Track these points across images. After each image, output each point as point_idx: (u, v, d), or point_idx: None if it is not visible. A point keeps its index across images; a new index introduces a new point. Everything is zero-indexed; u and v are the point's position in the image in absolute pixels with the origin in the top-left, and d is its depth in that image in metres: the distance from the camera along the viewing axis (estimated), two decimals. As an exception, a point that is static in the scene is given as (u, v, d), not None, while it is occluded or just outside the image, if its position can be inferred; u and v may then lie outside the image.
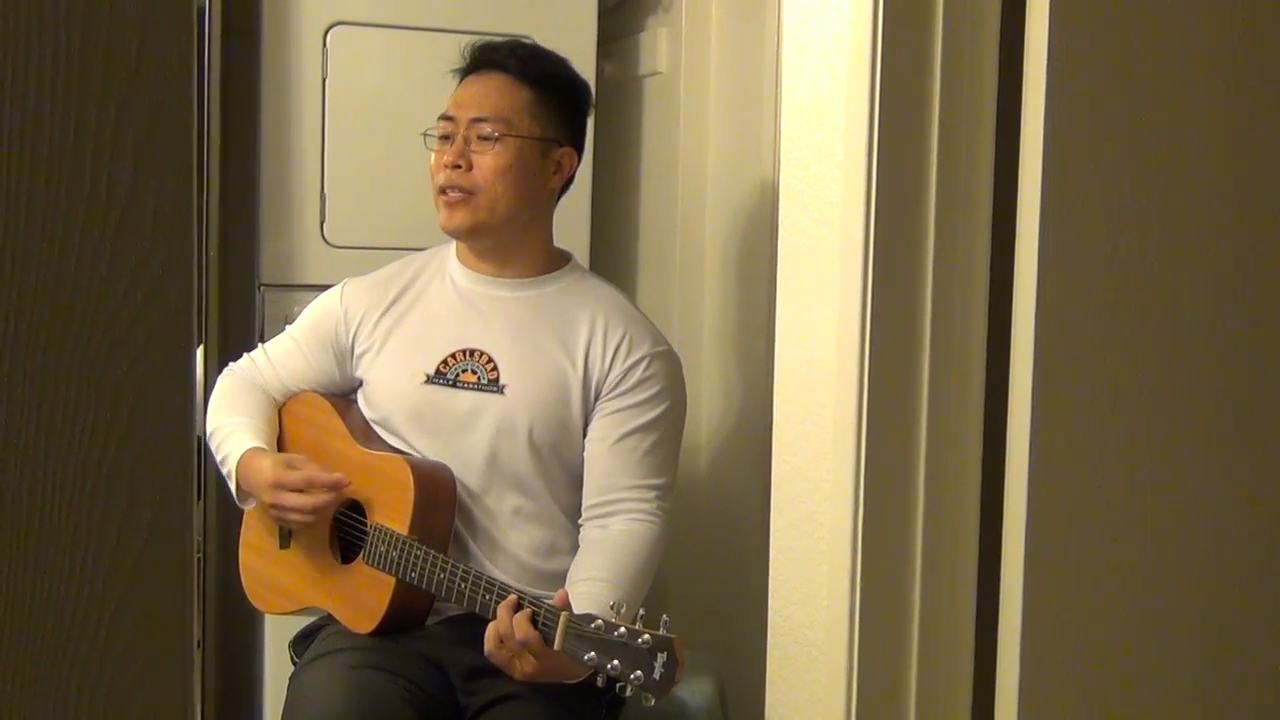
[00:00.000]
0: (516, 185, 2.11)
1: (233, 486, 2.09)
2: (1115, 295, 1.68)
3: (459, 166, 2.08)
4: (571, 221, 2.59)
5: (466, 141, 2.09)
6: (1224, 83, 1.73)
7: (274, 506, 2.00)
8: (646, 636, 1.67)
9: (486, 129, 2.09)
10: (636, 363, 2.08)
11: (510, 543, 2.06)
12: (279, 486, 1.99)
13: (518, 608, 1.78)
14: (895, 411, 1.67)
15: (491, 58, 2.16)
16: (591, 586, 1.92)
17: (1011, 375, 1.66)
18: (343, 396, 2.22)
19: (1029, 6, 1.63)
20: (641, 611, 1.73)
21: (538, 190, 2.14)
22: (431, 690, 1.96)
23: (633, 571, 1.98)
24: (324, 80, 2.55)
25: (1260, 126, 1.75)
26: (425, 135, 2.17)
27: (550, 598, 1.80)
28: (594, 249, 2.74)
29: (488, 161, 2.08)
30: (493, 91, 2.12)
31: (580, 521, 2.07)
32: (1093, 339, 1.67)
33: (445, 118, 2.13)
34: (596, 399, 2.08)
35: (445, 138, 2.12)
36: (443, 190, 2.10)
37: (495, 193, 2.08)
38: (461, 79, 2.17)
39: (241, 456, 2.06)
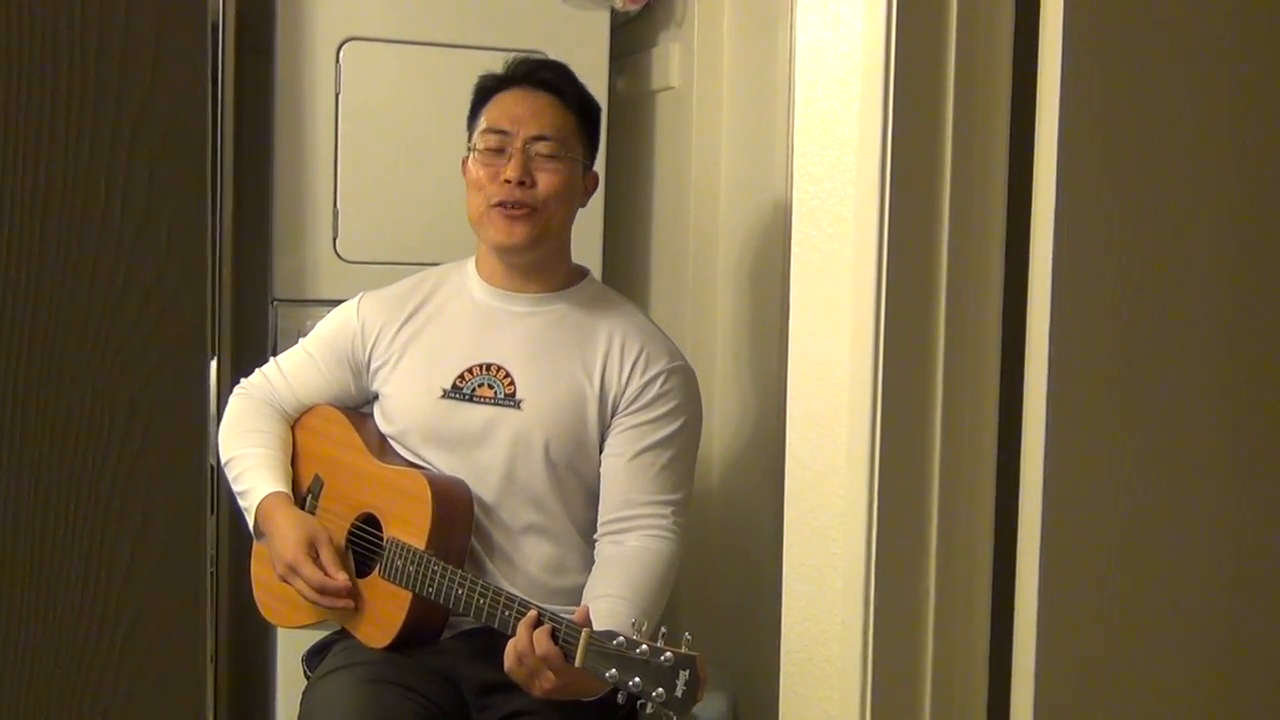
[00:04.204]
0: (569, 205, 2.13)
1: (250, 522, 2.09)
2: (1130, 306, 1.67)
3: (523, 183, 2.07)
4: (585, 236, 2.59)
5: (526, 158, 2.08)
6: (1239, 90, 1.72)
7: (283, 580, 2.03)
8: (669, 654, 1.67)
9: (549, 148, 2.09)
10: (653, 378, 2.08)
11: (522, 558, 2.06)
12: (293, 572, 2.00)
13: (537, 624, 1.78)
14: (909, 426, 1.67)
15: (541, 76, 2.16)
16: (610, 604, 1.92)
17: (1026, 389, 1.66)
18: (357, 410, 2.21)
19: (1042, 21, 1.63)
20: (663, 629, 1.72)
21: (576, 211, 2.16)
22: (445, 705, 1.96)
23: (650, 588, 1.98)
24: (337, 96, 2.56)
25: (1276, 131, 1.75)
26: (472, 148, 2.14)
27: (564, 614, 1.80)
28: (607, 263, 2.75)
29: (551, 180, 2.08)
30: (547, 110, 2.11)
31: (596, 537, 2.06)
32: (1108, 348, 1.67)
33: (497, 130, 2.10)
34: (613, 414, 2.07)
35: (497, 150, 2.10)
36: (500, 205, 2.08)
37: (554, 210, 2.09)
38: (497, 91, 2.16)
39: (261, 502, 2.07)
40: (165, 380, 0.77)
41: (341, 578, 1.99)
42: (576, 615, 1.78)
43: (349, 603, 2.01)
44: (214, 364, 2.56)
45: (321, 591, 1.99)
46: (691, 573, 2.59)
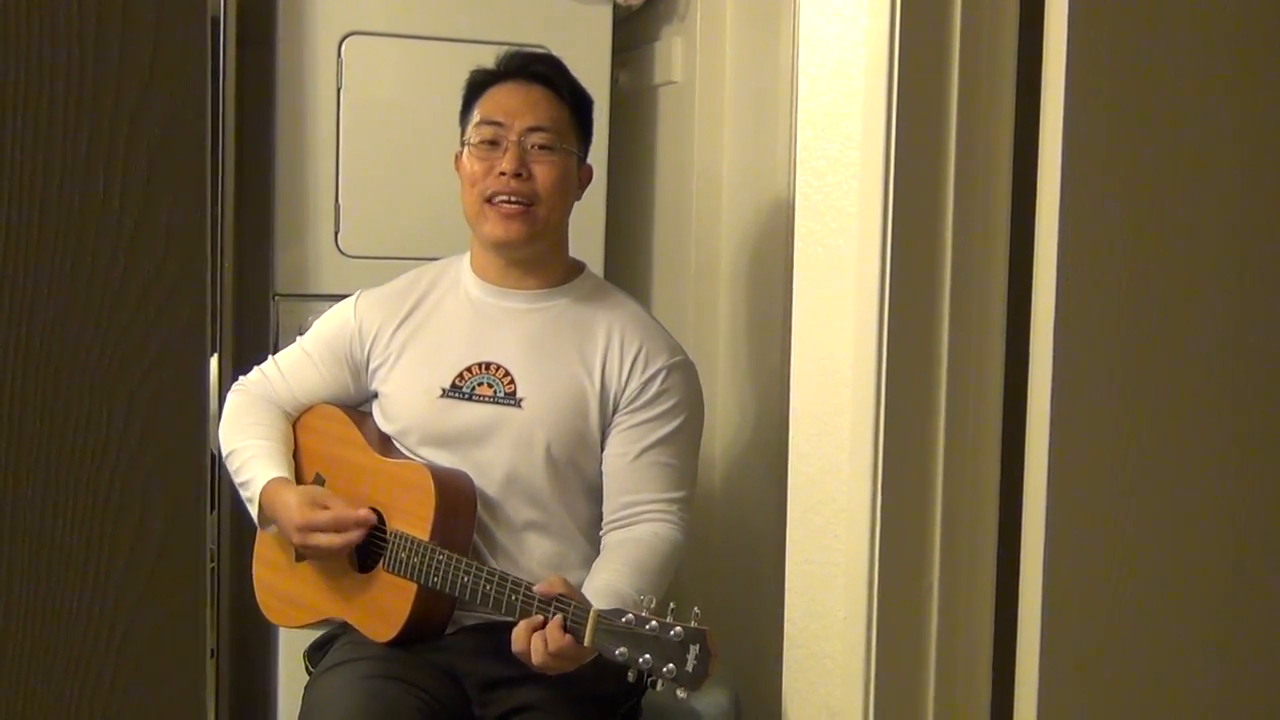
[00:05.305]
0: (565, 198, 2.12)
1: (254, 512, 2.09)
2: (1134, 302, 1.67)
3: (519, 175, 2.06)
4: (586, 230, 2.58)
5: (522, 150, 2.07)
6: (1242, 86, 1.72)
7: (305, 546, 2.01)
8: (678, 629, 1.66)
9: (545, 139, 2.07)
10: (654, 375, 2.07)
11: (524, 555, 2.05)
12: (309, 529, 1.98)
13: (542, 624, 1.78)
14: (912, 422, 1.66)
15: (534, 69, 2.14)
16: (609, 577, 1.93)
17: (1030, 386, 1.65)
18: (355, 408, 2.21)
19: (1047, 15, 1.62)
20: (672, 605, 1.72)
21: (572, 204, 2.15)
22: (447, 701, 1.95)
23: (651, 569, 1.98)
24: (339, 90, 2.55)
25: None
26: (465, 142, 2.13)
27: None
28: (609, 258, 2.74)
29: (547, 172, 2.07)
30: (542, 102, 2.10)
31: (601, 533, 2.06)
32: (1112, 341, 1.66)
33: (492, 123, 2.09)
34: (614, 412, 2.07)
35: (492, 144, 2.09)
36: (495, 199, 2.06)
37: (552, 203, 2.08)
38: (489, 86, 2.15)
39: (264, 487, 2.06)
40: (164, 375, 0.77)
41: (362, 511, 1.98)
42: (549, 583, 1.79)
43: (370, 517, 2.00)
44: (215, 359, 2.56)
45: (341, 526, 1.97)
46: (694, 568, 2.58)
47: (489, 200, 2.06)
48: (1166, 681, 1.75)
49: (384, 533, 2.02)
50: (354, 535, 1.99)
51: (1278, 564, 1.80)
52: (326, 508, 1.99)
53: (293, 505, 2.00)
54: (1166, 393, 1.70)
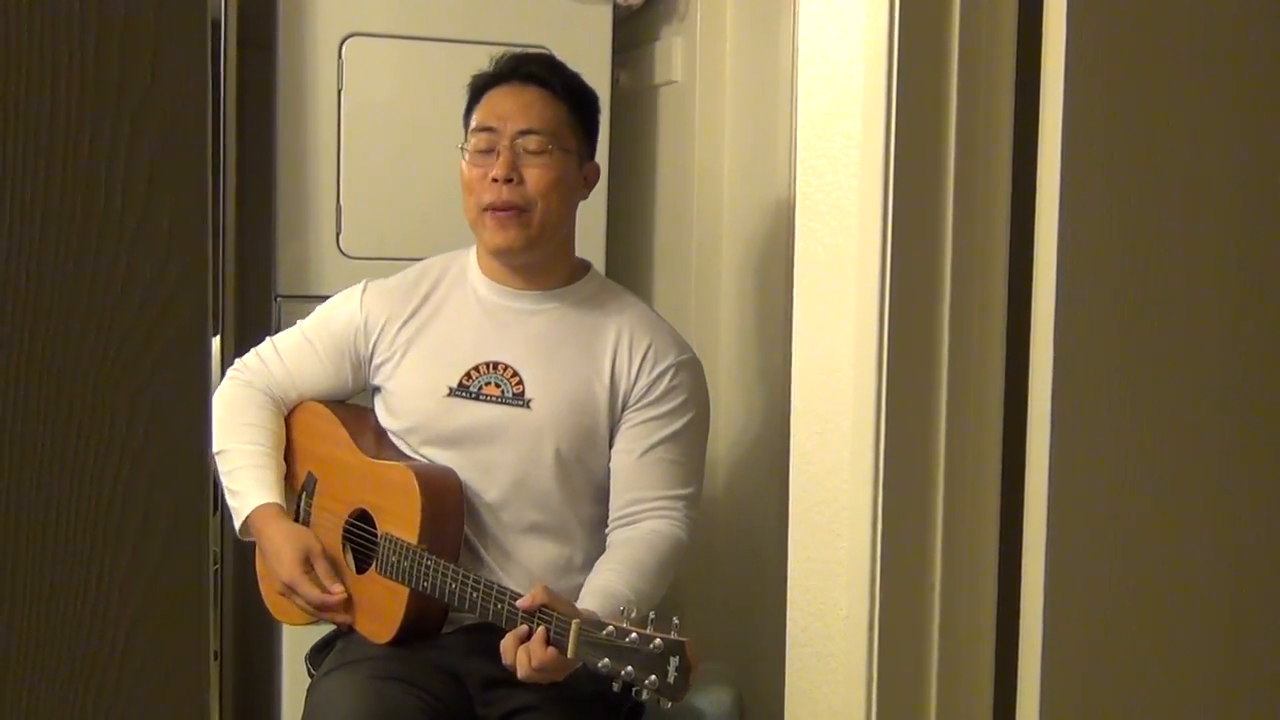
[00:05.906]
0: (563, 199, 2.10)
1: (237, 523, 2.09)
2: (1134, 301, 1.67)
3: (511, 180, 2.05)
4: (587, 231, 2.58)
5: (514, 154, 2.07)
6: (1242, 86, 1.72)
7: (282, 595, 2.08)
8: (658, 641, 1.67)
9: (536, 142, 2.07)
10: (663, 372, 2.08)
11: (523, 556, 2.05)
12: (292, 590, 2.04)
13: (528, 635, 1.79)
14: (913, 421, 1.66)
15: (527, 70, 2.14)
16: (606, 577, 1.94)
17: (1030, 385, 1.65)
18: (342, 403, 2.21)
19: (1045, 14, 1.62)
20: (651, 615, 1.73)
21: (575, 204, 2.15)
22: (448, 700, 1.96)
23: (650, 567, 1.98)
24: (339, 91, 2.55)
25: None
26: (462, 148, 2.13)
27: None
28: (610, 258, 2.74)
29: (540, 175, 2.06)
30: (535, 104, 2.09)
31: (607, 530, 2.07)
32: (1112, 339, 1.66)
33: (485, 129, 2.09)
34: (623, 410, 2.07)
35: (487, 151, 2.08)
36: (490, 208, 2.06)
37: (548, 207, 2.07)
38: (486, 89, 2.15)
39: (254, 514, 2.08)
40: (167, 377, 0.77)
41: (338, 589, 2.02)
42: (531, 596, 1.79)
43: (348, 618, 2.03)
44: (216, 346, 2.56)
45: (321, 608, 2.03)
46: (697, 567, 2.58)
47: (484, 209, 2.07)
48: (1169, 680, 1.75)
49: (375, 534, 2.03)
50: (327, 617, 2.06)
51: (1278, 563, 1.80)
52: (313, 566, 2.03)
53: (283, 554, 2.04)
54: (1166, 392, 1.70)
